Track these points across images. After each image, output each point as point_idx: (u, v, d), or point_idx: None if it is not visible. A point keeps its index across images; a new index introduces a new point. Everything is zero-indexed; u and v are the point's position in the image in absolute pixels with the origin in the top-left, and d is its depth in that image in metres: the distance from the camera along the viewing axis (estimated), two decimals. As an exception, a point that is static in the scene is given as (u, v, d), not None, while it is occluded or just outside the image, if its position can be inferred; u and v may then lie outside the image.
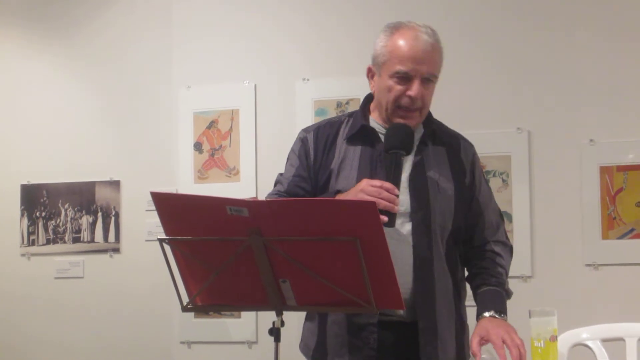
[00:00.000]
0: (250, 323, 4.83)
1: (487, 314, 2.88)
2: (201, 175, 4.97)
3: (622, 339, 3.23)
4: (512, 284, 3.09)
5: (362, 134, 3.00)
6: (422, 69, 2.87)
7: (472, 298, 3.02)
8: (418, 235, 2.90)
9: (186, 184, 4.95)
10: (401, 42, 2.89)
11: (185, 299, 2.59)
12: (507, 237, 3.13)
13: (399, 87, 2.89)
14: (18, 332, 5.24)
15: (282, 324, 2.54)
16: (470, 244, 3.07)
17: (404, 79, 2.88)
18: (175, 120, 5.05)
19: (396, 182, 2.76)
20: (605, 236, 4.39)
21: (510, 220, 4.47)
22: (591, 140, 4.42)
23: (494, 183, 4.49)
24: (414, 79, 2.87)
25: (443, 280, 2.93)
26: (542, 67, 4.52)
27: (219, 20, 5.03)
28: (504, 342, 2.71)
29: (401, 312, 2.86)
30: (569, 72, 4.49)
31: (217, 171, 4.96)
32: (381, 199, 2.68)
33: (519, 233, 4.47)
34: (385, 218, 2.65)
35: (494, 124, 4.53)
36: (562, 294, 4.35)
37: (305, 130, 3.12)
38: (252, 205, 2.39)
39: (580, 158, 4.44)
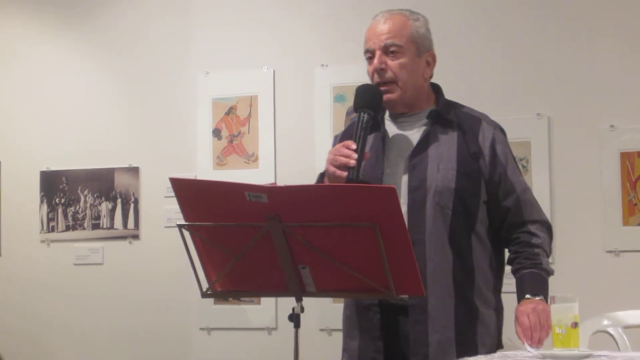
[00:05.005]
0: (270, 309, 4.83)
1: (524, 298, 2.88)
2: (220, 161, 4.97)
3: (643, 326, 3.22)
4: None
5: (374, 123, 3.04)
6: (379, 40, 3.00)
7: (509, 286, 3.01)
8: (412, 214, 2.93)
9: (205, 170, 4.95)
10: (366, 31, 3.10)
11: (205, 285, 2.59)
12: (544, 216, 3.08)
13: (370, 67, 3.05)
14: (37, 318, 5.25)
15: (302, 310, 2.55)
16: (508, 225, 3.03)
17: (371, 57, 3.04)
18: (193, 107, 5.05)
19: (357, 139, 2.86)
20: (626, 222, 4.35)
21: (530, 207, 4.45)
22: (612, 126, 4.39)
23: (514, 169, 4.48)
24: (375, 52, 3.02)
25: (439, 260, 2.92)
26: (562, 52, 4.48)
27: (238, 6, 5.02)
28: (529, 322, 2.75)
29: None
30: (589, 57, 4.45)
31: (235, 157, 4.95)
32: (340, 155, 2.81)
33: (539, 219, 4.44)
34: (344, 173, 2.79)
35: (514, 110, 4.50)
36: (582, 280, 4.32)
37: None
38: (271, 191, 2.39)
39: (600, 144, 4.40)
